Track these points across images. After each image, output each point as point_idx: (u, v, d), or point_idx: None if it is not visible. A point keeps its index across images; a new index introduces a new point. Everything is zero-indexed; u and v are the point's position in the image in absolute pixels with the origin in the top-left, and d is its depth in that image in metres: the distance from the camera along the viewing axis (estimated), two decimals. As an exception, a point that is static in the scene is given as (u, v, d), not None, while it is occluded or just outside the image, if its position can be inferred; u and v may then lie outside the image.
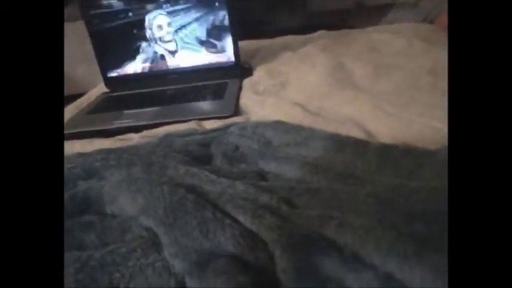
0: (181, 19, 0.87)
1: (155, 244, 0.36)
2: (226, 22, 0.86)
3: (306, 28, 1.17)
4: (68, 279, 0.35)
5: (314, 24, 1.16)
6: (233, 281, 0.30)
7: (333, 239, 0.32)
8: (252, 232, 0.33)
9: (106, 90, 0.94)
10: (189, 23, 0.88)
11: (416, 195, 0.35)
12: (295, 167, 0.45)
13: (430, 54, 0.79)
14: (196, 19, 0.87)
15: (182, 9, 0.87)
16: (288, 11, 2.09)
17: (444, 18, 0.96)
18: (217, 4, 0.85)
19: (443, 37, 0.89)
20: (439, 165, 0.39)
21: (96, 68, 1.83)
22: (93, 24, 0.88)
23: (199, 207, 0.35)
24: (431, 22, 1.02)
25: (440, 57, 0.75)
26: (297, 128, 0.52)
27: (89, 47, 1.80)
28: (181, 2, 0.86)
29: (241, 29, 0.92)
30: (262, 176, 0.47)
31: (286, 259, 0.31)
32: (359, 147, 0.45)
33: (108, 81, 0.93)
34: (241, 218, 0.34)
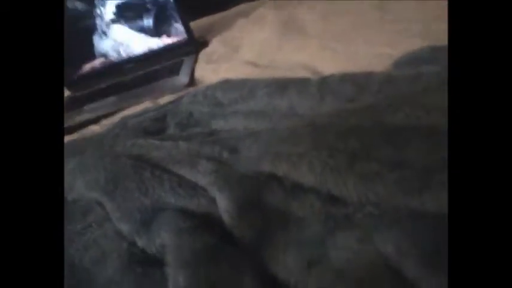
0: (129, 9, 0.86)
1: (104, 215, 0.36)
2: (171, 3, 0.84)
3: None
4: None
5: None
6: (177, 229, 0.30)
7: (271, 171, 0.32)
8: (190, 181, 0.33)
9: (68, 93, 0.92)
10: (138, 11, 0.86)
11: (353, 115, 0.35)
12: (241, 118, 0.45)
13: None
14: (143, 5, 0.86)
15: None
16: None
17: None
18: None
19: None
20: (376, 86, 0.39)
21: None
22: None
23: (138, 169, 0.35)
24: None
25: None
26: (242, 82, 0.51)
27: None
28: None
29: (195, 6, 0.90)
30: (212, 135, 0.46)
31: (225, 198, 0.31)
32: (300, 85, 0.44)
33: (70, 84, 0.92)
34: (180, 172, 0.34)
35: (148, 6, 0.86)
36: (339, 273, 0.25)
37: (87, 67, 0.91)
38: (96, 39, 0.89)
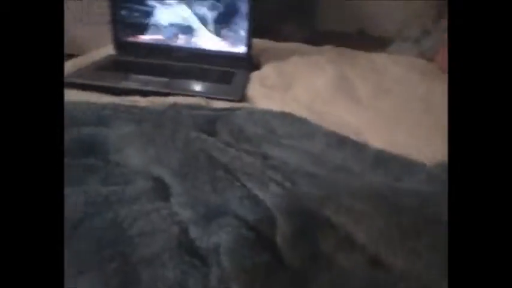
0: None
1: (161, 193, 0.38)
2: (245, 12, 0.88)
3: (310, 43, 1.21)
4: (75, 211, 0.36)
5: (318, 41, 1.20)
6: (238, 235, 0.33)
7: (330, 218, 0.36)
8: (257, 197, 0.36)
9: (113, 53, 0.94)
10: (210, 4, 0.90)
11: (402, 194, 0.40)
12: (297, 155, 0.48)
13: (424, 85, 0.85)
14: (218, 2, 0.89)
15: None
16: (296, 24, 2.15)
17: (441, 58, 1.03)
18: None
19: (438, 73, 0.96)
20: (423, 176, 0.44)
21: (98, 31, 1.81)
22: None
23: (212, 166, 0.38)
24: (429, 59, 1.09)
25: (433, 89, 0.81)
26: (302, 122, 0.55)
27: (96, 10, 1.77)
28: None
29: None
30: (267, 159, 0.49)
31: (286, 225, 0.34)
32: (357, 147, 0.49)
33: (118, 45, 0.93)
34: (248, 184, 0.37)
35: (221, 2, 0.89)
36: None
37: (142, 36, 0.93)
38: (157, 12, 0.91)
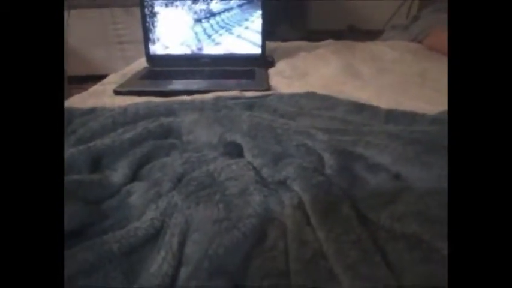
0: (224, 5, 1.04)
1: (236, 152, 0.53)
2: (259, 17, 1.03)
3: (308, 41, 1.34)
4: (177, 167, 0.50)
5: (313, 39, 1.33)
6: (298, 167, 0.47)
7: (361, 152, 0.50)
8: (307, 145, 0.50)
9: (146, 66, 1.08)
10: (230, 11, 1.05)
11: (414, 132, 0.54)
12: (326, 120, 0.62)
13: (419, 64, 1.00)
14: (238, 8, 1.04)
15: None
16: (289, 26, 2.31)
17: (430, 40, 1.18)
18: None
19: (429, 53, 1.11)
20: (427, 122, 0.58)
21: (113, 52, 1.97)
22: (147, 6, 1.04)
23: (270, 128, 0.52)
24: (419, 42, 1.24)
25: (427, 67, 0.96)
26: (325, 97, 0.70)
27: (111, 32, 1.94)
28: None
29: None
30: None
31: (332, 159, 0.48)
32: (371, 110, 0.63)
33: (150, 58, 1.08)
34: (299, 138, 0.51)
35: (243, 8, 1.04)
36: None
37: (171, 48, 1.08)
38: (182, 27, 1.06)
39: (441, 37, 1.10)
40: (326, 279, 0.34)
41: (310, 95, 0.71)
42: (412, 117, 0.60)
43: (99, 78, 1.02)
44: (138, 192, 0.46)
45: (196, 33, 1.06)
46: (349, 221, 0.39)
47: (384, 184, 0.46)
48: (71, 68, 2.03)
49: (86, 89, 0.88)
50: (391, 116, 0.61)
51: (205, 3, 1.04)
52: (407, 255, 0.35)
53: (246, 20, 1.05)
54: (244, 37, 1.06)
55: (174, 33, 1.07)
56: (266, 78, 0.92)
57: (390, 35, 1.44)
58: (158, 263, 0.35)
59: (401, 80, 0.87)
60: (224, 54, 1.08)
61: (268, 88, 0.84)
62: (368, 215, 0.40)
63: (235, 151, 0.54)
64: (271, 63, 1.07)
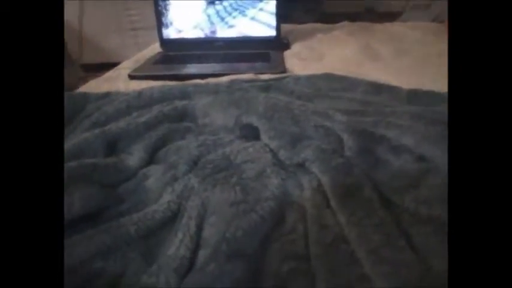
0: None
1: (252, 136, 0.51)
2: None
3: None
4: (193, 150, 0.49)
5: (329, 22, 1.29)
6: (317, 149, 0.45)
7: (383, 133, 0.48)
8: (326, 126, 0.49)
9: (159, 51, 1.07)
10: None
11: (435, 112, 0.51)
12: (344, 102, 0.60)
13: (440, 45, 0.96)
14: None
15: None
16: (304, 9, 2.25)
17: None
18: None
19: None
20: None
21: (127, 39, 1.97)
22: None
23: (287, 109, 0.51)
24: (440, 23, 1.19)
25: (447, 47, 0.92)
26: (343, 78, 0.67)
27: (124, 19, 1.93)
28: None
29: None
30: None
31: (351, 140, 0.46)
32: (392, 90, 0.61)
33: (164, 43, 1.07)
34: (318, 119, 0.50)
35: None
36: None
37: (185, 32, 1.06)
38: (195, 10, 1.04)
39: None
40: (347, 263, 0.33)
41: (328, 76, 0.69)
42: (435, 97, 0.57)
43: (113, 65, 1.01)
44: (154, 176, 0.46)
45: (209, 16, 1.04)
46: (371, 204, 0.37)
47: (408, 166, 0.44)
48: (86, 56, 2.04)
49: (101, 77, 0.88)
50: (414, 96, 0.58)
51: (218, -16, 1.02)
52: (434, 239, 0.34)
53: (260, 1, 1.02)
54: (259, 19, 1.04)
55: (187, 17, 1.05)
56: (281, 60, 0.90)
57: (410, 16, 1.38)
58: (176, 245, 0.34)
59: (422, 61, 0.83)
60: (238, 37, 1.05)
61: (284, 70, 0.82)
62: (391, 198, 0.39)
63: (251, 134, 0.53)
64: (287, 46, 1.04)
